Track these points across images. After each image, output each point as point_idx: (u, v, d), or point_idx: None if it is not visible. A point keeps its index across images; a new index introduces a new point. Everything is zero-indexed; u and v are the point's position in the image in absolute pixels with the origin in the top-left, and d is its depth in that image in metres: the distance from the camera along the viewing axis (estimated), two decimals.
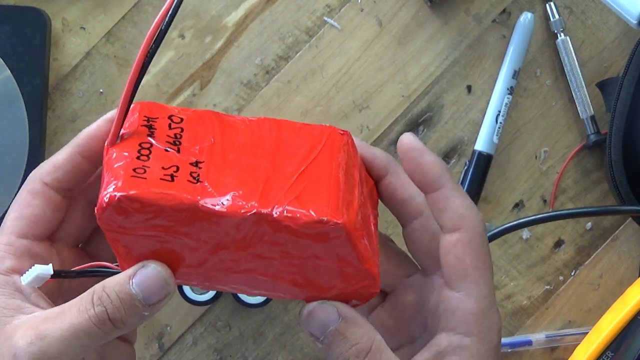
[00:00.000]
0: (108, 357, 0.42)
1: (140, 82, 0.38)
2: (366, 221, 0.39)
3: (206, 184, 0.36)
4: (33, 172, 0.40)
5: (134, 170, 0.36)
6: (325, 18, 0.60)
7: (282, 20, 0.59)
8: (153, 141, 0.38)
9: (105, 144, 0.38)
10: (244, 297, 0.58)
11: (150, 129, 0.39)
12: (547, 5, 0.59)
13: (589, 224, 0.60)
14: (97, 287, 0.37)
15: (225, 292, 0.59)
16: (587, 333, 0.54)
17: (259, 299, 0.58)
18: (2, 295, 0.38)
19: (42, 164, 0.40)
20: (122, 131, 0.38)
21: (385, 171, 0.41)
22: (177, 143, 0.38)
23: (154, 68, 0.59)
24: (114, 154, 0.37)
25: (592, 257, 0.60)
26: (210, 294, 0.58)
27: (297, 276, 0.38)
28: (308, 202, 0.36)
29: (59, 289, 0.42)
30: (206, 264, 0.38)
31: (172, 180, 0.36)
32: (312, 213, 0.36)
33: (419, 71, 0.60)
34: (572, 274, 0.60)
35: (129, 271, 0.37)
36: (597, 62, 0.60)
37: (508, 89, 0.59)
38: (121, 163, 0.37)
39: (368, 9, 0.60)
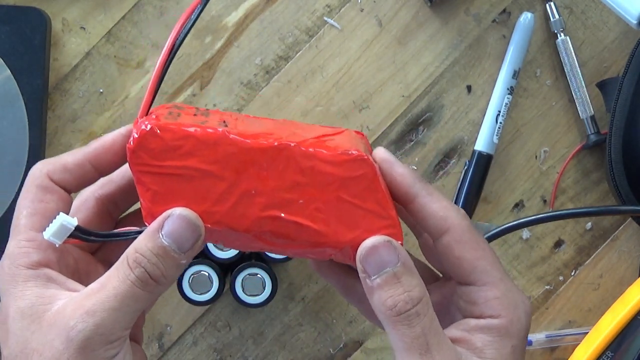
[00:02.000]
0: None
1: (174, 54, 0.40)
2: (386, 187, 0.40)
3: (236, 128, 0.39)
4: (37, 168, 0.40)
5: (169, 113, 0.39)
6: (325, 18, 0.60)
7: (282, 20, 0.59)
8: (181, 112, 0.40)
9: (136, 118, 0.40)
10: (244, 297, 0.58)
11: (178, 109, 0.41)
12: (547, 5, 0.59)
13: (589, 224, 0.60)
14: (129, 251, 0.37)
15: (225, 292, 0.59)
16: (587, 333, 0.54)
17: (259, 299, 0.58)
18: (35, 287, 0.37)
19: (48, 161, 0.40)
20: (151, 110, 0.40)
21: (414, 194, 0.40)
22: (204, 114, 0.41)
23: (153, 68, 0.59)
24: (144, 120, 0.39)
25: (592, 257, 0.60)
26: (211, 293, 0.58)
27: (321, 217, 0.38)
28: (332, 146, 0.39)
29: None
30: (232, 203, 0.38)
31: (202, 123, 0.38)
32: (339, 148, 0.38)
33: (419, 71, 0.60)
34: (572, 274, 0.60)
35: (155, 224, 0.37)
36: (597, 62, 0.60)
37: (508, 89, 0.59)
38: (152, 116, 0.39)
39: (368, 9, 0.60)
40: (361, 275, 0.37)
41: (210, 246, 0.56)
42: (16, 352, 0.37)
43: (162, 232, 0.37)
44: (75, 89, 0.59)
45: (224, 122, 0.40)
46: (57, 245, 0.37)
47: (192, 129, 0.38)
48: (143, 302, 0.37)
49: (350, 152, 0.38)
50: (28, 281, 0.37)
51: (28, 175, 0.40)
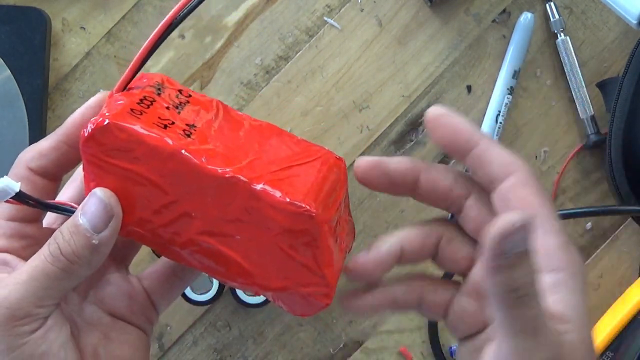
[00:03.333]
0: (113, 336, 0.41)
1: (163, 39, 0.39)
2: (338, 236, 0.39)
3: (195, 142, 0.37)
4: (19, 156, 0.40)
5: (131, 110, 0.37)
6: (325, 18, 0.60)
7: (282, 20, 0.59)
8: (156, 98, 0.39)
9: (112, 90, 0.39)
10: (244, 297, 0.58)
11: (158, 91, 0.40)
12: (547, 5, 0.59)
13: (589, 224, 0.60)
14: (56, 231, 0.37)
15: (225, 292, 0.59)
16: None
17: (259, 299, 0.58)
18: None
19: (27, 149, 0.40)
20: (130, 85, 0.39)
21: (478, 138, 0.37)
22: (179, 107, 0.39)
23: (154, 68, 0.59)
24: (117, 99, 0.38)
25: (592, 257, 0.60)
26: (211, 293, 0.58)
27: (254, 257, 0.37)
28: (287, 188, 0.36)
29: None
30: (170, 219, 0.38)
31: (165, 128, 0.37)
32: (288, 196, 0.36)
33: (419, 71, 0.60)
34: None
35: (81, 205, 0.37)
36: (597, 62, 0.60)
37: (508, 89, 0.59)
38: (121, 102, 0.38)
39: (368, 9, 0.60)
40: (487, 257, 0.33)
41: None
42: None
43: (80, 211, 0.37)
44: (75, 89, 0.59)
45: (194, 125, 0.38)
46: None
47: (147, 135, 0.36)
48: (56, 280, 0.37)
49: (297, 204, 0.36)
50: None
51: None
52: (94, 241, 0.37)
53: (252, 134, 0.40)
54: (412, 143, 0.60)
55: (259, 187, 0.36)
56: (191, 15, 0.59)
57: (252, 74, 0.60)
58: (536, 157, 0.60)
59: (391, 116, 0.60)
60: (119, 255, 0.44)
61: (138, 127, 0.36)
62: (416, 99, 0.60)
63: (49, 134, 0.58)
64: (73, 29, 0.59)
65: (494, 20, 0.60)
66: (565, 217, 0.57)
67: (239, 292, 0.58)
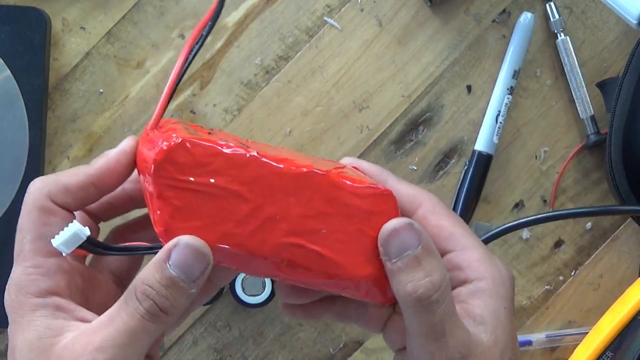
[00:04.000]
0: None
1: (190, 63, 0.39)
2: None
3: (262, 151, 0.38)
4: (37, 187, 0.38)
5: (184, 129, 0.38)
6: (325, 18, 0.60)
7: (282, 20, 0.59)
8: (193, 128, 0.39)
9: (147, 127, 0.39)
10: (244, 297, 0.58)
11: (187, 127, 0.40)
12: (547, 5, 0.59)
13: (589, 224, 0.60)
14: (137, 282, 0.35)
15: (225, 293, 0.59)
16: (587, 333, 0.55)
17: (259, 299, 0.58)
18: (43, 317, 0.36)
19: (47, 180, 0.38)
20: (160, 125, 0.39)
21: (384, 180, 0.42)
22: (217, 136, 0.39)
23: (153, 68, 0.59)
24: (157, 133, 0.38)
25: (592, 257, 0.60)
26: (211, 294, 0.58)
27: (342, 248, 0.38)
28: (354, 179, 0.38)
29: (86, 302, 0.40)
30: (255, 226, 0.37)
31: (225, 143, 0.37)
32: (365, 182, 0.38)
33: (419, 71, 0.60)
34: (572, 274, 0.60)
35: (161, 255, 0.35)
36: (597, 62, 0.60)
37: (508, 89, 0.59)
38: (172, 128, 0.38)
39: (368, 9, 0.60)
40: (382, 257, 0.37)
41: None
42: None
43: (170, 263, 0.35)
44: (75, 89, 0.59)
45: (244, 144, 0.39)
46: (63, 254, 0.36)
47: (224, 148, 0.37)
48: (154, 335, 0.36)
49: (375, 186, 0.38)
50: (36, 311, 0.36)
51: (27, 194, 0.38)
52: (192, 291, 0.35)
53: (295, 153, 0.42)
54: (412, 143, 0.60)
55: (339, 175, 0.38)
56: (191, 15, 0.60)
57: (252, 74, 0.60)
58: (536, 157, 0.60)
59: (391, 116, 0.60)
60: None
61: (208, 141, 0.36)
62: (416, 99, 0.60)
63: (49, 134, 0.59)
64: (73, 29, 0.59)
65: (494, 20, 0.60)
66: (565, 217, 0.57)
67: (239, 292, 0.58)
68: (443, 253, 0.39)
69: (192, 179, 0.36)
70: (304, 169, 0.37)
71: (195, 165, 0.36)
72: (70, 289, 0.38)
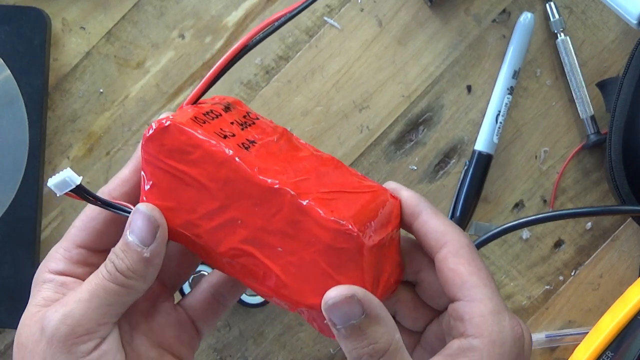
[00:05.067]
0: (179, 336, 0.43)
1: (241, 56, 0.41)
2: (381, 268, 0.39)
3: (251, 154, 0.38)
4: (105, 186, 0.42)
5: (195, 117, 0.39)
6: (325, 18, 0.60)
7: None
8: (223, 114, 0.41)
9: (182, 104, 0.41)
10: (244, 297, 0.58)
11: (226, 109, 0.42)
12: (547, 5, 0.59)
13: (589, 224, 0.60)
14: (110, 251, 0.39)
15: None
16: (587, 333, 0.54)
17: (259, 299, 0.58)
18: (47, 290, 0.40)
19: (112, 179, 0.42)
20: (201, 100, 0.41)
21: (416, 215, 0.41)
22: (243, 126, 0.41)
23: (153, 68, 0.59)
24: (186, 110, 0.40)
25: (592, 257, 0.60)
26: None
27: (293, 272, 0.38)
28: (334, 207, 0.37)
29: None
30: (216, 224, 0.38)
31: (224, 138, 0.38)
32: (333, 215, 0.37)
33: (419, 71, 0.60)
34: (572, 274, 0.60)
35: (127, 223, 0.38)
36: (597, 62, 0.60)
37: (508, 89, 0.59)
38: (188, 110, 0.39)
39: (368, 9, 0.60)
40: (327, 322, 0.37)
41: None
42: (14, 347, 0.39)
43: (128, 229, 0.38)
44: (75, 89, 0.59)
45: (254, 141, 0.39)
46: (57, 195, 0.38)
47: (205, 140, 0.38)
48: (116, 296, 0.38)
49: (341, 222, 0.36)
50: (45, 284, 0.40)
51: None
52: (145, 254, 0.38)
53: (311, 161, 0.41)
54: (412, 143, 0.60)
55: (305, 202, 0.37)
56: (191, 15, 0.60)
57: (252, 74, 0.60)
58: (536, 157, 0.60)
59: (391, 116, 0.60)
60: (168, 284, 0.44)
61: (197, 132, 0.38)
62: (416, 99, 0.60)
63: (49, 134, 0.59)
64: (73, 29, 0.59)
65: (494, 20, 0.60)
66: (565, 217, 0.57)
67: None
68: (452, 299, 0.39)
69: (171, 163, 0.38)
70: (276, 185, 0.37)
71: (177, 151, 0.38)
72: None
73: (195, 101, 0.41)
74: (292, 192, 0.37)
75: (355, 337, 0.36)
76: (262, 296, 0.40)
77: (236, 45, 0.41)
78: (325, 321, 0.37)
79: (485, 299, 0.38)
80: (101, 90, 0.59)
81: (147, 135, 0.38)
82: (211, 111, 0.40)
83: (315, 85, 0.60)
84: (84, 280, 0.40)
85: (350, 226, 0.36)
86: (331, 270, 0.37)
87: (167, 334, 0.43)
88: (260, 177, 0.37)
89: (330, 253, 0.37)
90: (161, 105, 0.59)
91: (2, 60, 0.57)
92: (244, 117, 0.42)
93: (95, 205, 0.40)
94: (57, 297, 0.39)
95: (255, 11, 0.59)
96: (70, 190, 0.38)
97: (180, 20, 0.59)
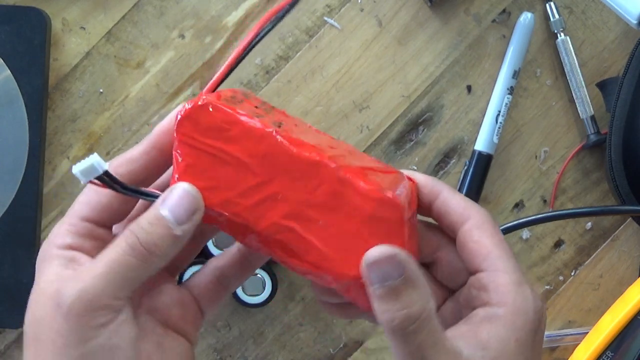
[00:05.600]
0: (166, 346, 0.42)
1: (255, 45, 0.41)
2: (411, 238, 0.40)
3: (286, 131, 0.38)
4: (110, 161, 0.41)
5: (226, 99, 0.39)
6: (325, 18, 0.60)
7: (282, 20, 0.59)
8: (245, 100, 0.41)
9: (201, 93, 0.41)
10: (244, 297, 0.58)
11: (246, 96, 0.42)
12: (547, 5, 0.59)
13: (589, 224, 0.60)
14: (132, 223, 0.38)
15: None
16: (587, 333, 0.55)
17: (259, 299, 0.58)
18: (57, 266, 0.38)
19: (117, 157, 0.41)
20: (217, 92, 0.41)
21: (435, 194, 0.41)
22: (266, 111, 0.41)
23: (153, 68, 0.59)
24: (207, 96, 0.40)
25: (592, 257, 0.60)
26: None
27: (334, 244, 0.38)
28: (371, 180, 0.38)
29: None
30: (256, 200, 0.38)
31: (258, 117, 0.38)
32: (376, 185, 0.37)
33: (419, 71, 0.60)
34: (572, 274, 0.60)
35: (159, 199, 0.37)
36: (597, 62, 0.60)
37: (508, 89, 0.59)
38: (214, 96, 0.39)
39: (368, 9, 0.60)
40: (364, 279, 0.37)
41: (210, 246, 0.56)
42: (27, 325, 0.38)
43: (162, 204, 0.37)
44: (75, 89, 0.60)
45: (281, 123, 0.40)
46: (82, 183, 0.37)
47: (244, 118, 0.38)
48: (133, 271, 0.37)
49: (384, 193, 0.37)
50: (53, 260, 0.39)
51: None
52: (176, 232, 0.37)
53: (333, 141, 0.41)
54: (412, 143, 0.60)
55: (348, 173, 0.37)
56: (191, 15, 0.60)
57: (252, 74, 0.60)
58: (536, 157, 0.60)
59: (391, 116, 0.60)
60: (172, 265, 0.43)
61: (235, 110, 0.38)
62: (416, 99, 0.60)
63: (49, 134, 0.59)
64: (73, 29, 0.59)
65: (494, 20, 0.60)
66: (565, 217, 0.57)
67: (239, 292, 0.58)
68: (476, 270, 0.39)
69: (208, 141, 0.38)
70: (317, 157, 0.37)
71: (214, 129, 0.38)
72: (96, 254, 0.39)
73: (215, 89, 0.41)
74: (333, 165, 0.37)
75: (390, 298, 0.36)
76: (299, 272, 0.40)
77: (249, 34, 0.41)
78: (365, 292, 0.37)
79: (510, 270, 0.39)
80: (101, 90, 0.59)
81: (182, 114, 0.38)
82: (234, 97, 0.41)
83: (315, 85, 0.60)
84: (91, 255, 0.39)
85: (393, 197, 0.37)
86: (374, 239, 0.37)
87: (172, 312, 0.42)
88: (302, 150, 0.37)
89: (372, 223, 0.37)
90: (161, 105, 0.59)
91: (2, 60, 0.57)
92: (263, 104, 0.43)
93: (123, 193, 0.39)
94: (68, 272, 0.38)
95: (255, 11, 0.60)
96: (96, 178, 0.37)
97: (180, 20, 0.59)
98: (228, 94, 0.41)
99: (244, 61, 0.60)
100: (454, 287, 0.42)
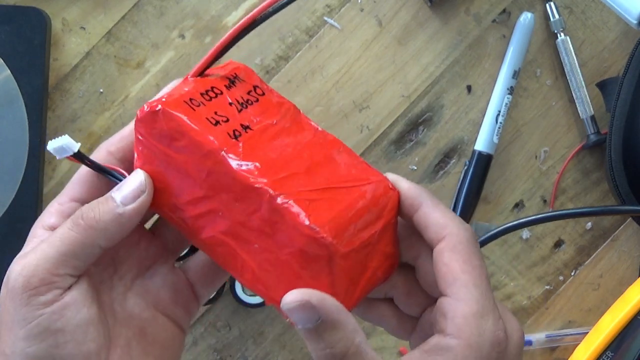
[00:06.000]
0: (149, 332, 0.42)
1: (248, 32, 0.40)
2: (363, 267, 0.39)
3: (240, 145, 0.38)
4: (100, 145, 0.42)
5: (190, 99, 0.38)
6: (325, 18, 0.60)
7: (282, 20, 0.59)
8: (225, 92, 0.40)
9: (187, 75, 0.41)
10: (244, 297, 0.58)
11: (231, 84, 0.41)
12: (547, 5, 0.59)
13: (589, 224, 0.60)
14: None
15: (225, 292, 0.59)
16: (587, 333, 0.54)
17: (259, 299, 0.58)
18: (29, 245, 0.39)
19: (113, 135, 0.42)
20: (207, 72, 0.41)
21: (417, 207, 0.40)
22: (244, 106, 0.40)
23: (153, 68, 0.59)
24: (185, 85, 0.39)
25: (592, 257, 0.60)
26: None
27: (268, 268, 0.38)
28: (314, 209, 0.36)
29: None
30: (198, 212, 0.38)
31: (215, 125, 0.38)
32: (310, 218, 0.36)
33: (419, 71, 0.60)
34: (572, 274, 0.60)
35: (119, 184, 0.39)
36: (597, 62, 0.60)
37: (508, 89, 0.59)
38: (185, 89, 0.39)
39: (368, 9, 0.60)
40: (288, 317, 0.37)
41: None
42: None
43: (116, 188, 0.38)
44: (75, 89, 0.60)
45: (247, 127, 0.39)
46: (57, 158, 0.39)
47: (193, 129, 0.37)
48: (70, 245, 0.37)
49: (315, 229, 0.35)
50: (34, 238, 0.39)
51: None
52: (118, 210, 0.38)
53: (312, 146, 0.40)
54: (412, 143, 0.60)
55: (284, 203, 0.36)
56: (191, 15, 0.60)
57: None
58: (536, 157, 0.60)
59: (391, 116, 0.60)
60: (170, 247, 0.44)
61: (187, 119, 0.37)
62: (416, 99, 0.60)
63: (49, 134, 0.59)
64: (73, 29, 0.59)
65: (494, 20, 0.60)
66: (565, 217, 0.57)
67: (239, 292, 0.58)
68: (442, 294, 0.39)
69: (160, 146, 0.38)
70: (258, 183, 0.36)
71: (165, 136, 0.38)
72: None
73: (200, 74, 0.41)
74: (272, 192, 0.36)
75: (312, 338, 0.36)
76: (240, 282, 0.40)
77: (246, 17, 0.40)
78: None
79: (472, 300, 0.37)
80: (101, 90, 0.59)
81: (139, 116, 0.38)
82: (212, 89, 0.40)
83: (315, 85, 0.60)
84: None
85: (324, 235, 0.36)
86: (303, 273, 0.37)
87: (163, 295, 0.42)
88: (243, 172, 0.37)
89: (303, 257, 0.36)
90: None
91: (2, 60, 0.57)
92: (249, 92, 0.41)
93: (92, 169, 0.40)
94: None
95: None
96: (72, 155, 0.38)
97: (180, 20, 0.59)
98: (208, 84, 0.40)
99: (244, 61, 0.59)
100: (434, 296, 0.41)
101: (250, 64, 0.59)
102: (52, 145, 0.38)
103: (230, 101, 0.40)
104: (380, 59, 0.60)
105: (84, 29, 0.60)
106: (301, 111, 0.43)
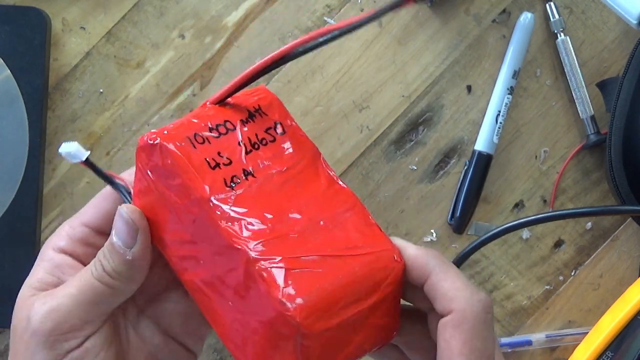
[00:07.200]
0: (159, 357, 0.42)
1: (277, 66, 0.38)
2: (340, 343, 0.36)
3: (233, 194, 0.36)
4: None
5: (194, 135, 0.37)
6: (325, 18, 0.60)
7: (282, 20, 0.59)
8: (239, 128, 0.38)
9: (207, 100, 0.39)
10: None
11: (249, 118, 0.39)
12: (547, 5, 0.59)
13: (589, 224, 0.60)
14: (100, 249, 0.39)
15: None
16: (587, 333, 0.55)
17: None
18: (42, 270, 0.40)
19: (84, 207, 0.42)
20: (231, 99, 0.39)
21: (426, 276, 0.38)
22: (255, 146, 0.38)
23: (153, 68, 0.59)
24: (197, 115, 0.38)
25: (592, 257, 0.60)
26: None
27: (238, 329, 0.36)
28: (296, 280, 0.34)
29: None
30: (182, 254, 0.38)
31: (213, 168, 0.36)
32: (288, 290, 0.34)
33: (419, 71, 0.60)
34: (572, 274, 0.60)
35: (113, 224, 0.39)
36: (597, 62, 0.60)
37: (508, 89, 0.59)
38: (195, 121, 0.38)
39: (368, 9, 0.60)
40: None
41: None
42: (11, 328, 0.39)
43: (113, 231, 0.38)
44: (75, 89, 0.59)
45: (250, 172, 0.37)
46: (70, 162, 0.39)
47: (187, 171, 0.36)
48: (101, 295, 0.38)
49: (286, 305, 0.33)
50: (43, 262, 0.40)
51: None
52: (127, 257, 0.38)
53: (319, 201, 0.38)
54: (412, 143, 0.60)
55: (260, 269, 0.34)
56: (191, 15, 0.60)
57: None
58: (536, 157, 0.60)
59: (391, 116, 0.60)
60: None
61: (184, 159, 0.36)
62: (416, 99, 0.60)
63: (49, 134, 0.59)
64: (73, 29, 0.59)
65: (494, 20, 0.60)
66: (565, 217, 0.57)
67: None
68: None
69: (154, 179, 0.37)
70: (239, 244, 0.34)
71: (161, 171, 0.37)
72: (88, 260, 0.40)
73: (221, 102, 0.39)
74: (251, 256, 0.34)
75: None
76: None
77: (276, 52, 0.38)
78: None
79: None
80: (101, 90, 0.59)
81: (139, 145, 0.37)
82: (224, 123, 0.38)
83: (315, 85, 0.60)
84: (81, 261, 0.40)
85: (292, 313, 0.33)
86: (268, 345, 0.35)
87: (174, 321, 0.42)
88: (227, 228, 0.35)
89: (270, 329, 0.35)
90: (161, 105, 0.59)
91: (2, 60, 0.57)
92: (267, 130, 0.39)
93: (97, 175, 0.39)
94: (50, 279, 0.39)
95: (255, 11, 0.59)
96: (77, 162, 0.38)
97: (180, 20, 0.59)
98: (221, 117, 0.38)
99: (244, 61, 0.60)
100: None
101: (250, 64, 0.59)
102: (63, 149, 0.38)
103: (241, 140, 0.38)
104: (380, 59, 0.60)
105: (84, 29, 0.60)
106: (322, 156, 0.40)
